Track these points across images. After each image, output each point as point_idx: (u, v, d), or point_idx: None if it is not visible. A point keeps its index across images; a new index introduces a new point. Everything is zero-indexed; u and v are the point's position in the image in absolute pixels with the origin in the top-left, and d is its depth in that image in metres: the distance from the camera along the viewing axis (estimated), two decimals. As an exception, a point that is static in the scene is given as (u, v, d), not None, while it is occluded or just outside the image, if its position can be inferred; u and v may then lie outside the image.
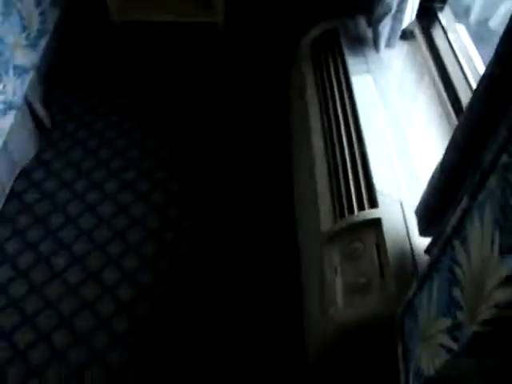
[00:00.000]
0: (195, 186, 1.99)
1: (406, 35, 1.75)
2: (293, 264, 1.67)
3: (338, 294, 1.18)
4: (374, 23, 1.64)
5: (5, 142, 1.81)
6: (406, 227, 1.18)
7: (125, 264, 1.76)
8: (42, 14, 2.12)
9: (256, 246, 1.81)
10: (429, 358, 0.85)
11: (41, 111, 2.11)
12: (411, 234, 1.16)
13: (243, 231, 1.86)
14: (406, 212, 1.21)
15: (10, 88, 1.83)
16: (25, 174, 2.02)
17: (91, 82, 2.39)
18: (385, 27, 1.62)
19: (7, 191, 1.91)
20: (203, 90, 2.35)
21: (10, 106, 1.83)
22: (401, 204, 1.23)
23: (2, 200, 1.88)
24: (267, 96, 2.30)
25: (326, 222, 1.29)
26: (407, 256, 1.13)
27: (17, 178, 1.98)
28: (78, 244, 1.80)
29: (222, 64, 2.47)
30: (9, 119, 1.83)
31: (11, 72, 1.85)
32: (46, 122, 2.15)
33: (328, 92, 1.59)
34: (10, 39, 1.86)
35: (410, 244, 1.15)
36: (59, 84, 2.37)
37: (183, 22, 2.60)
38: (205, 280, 1.73)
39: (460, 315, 0.73)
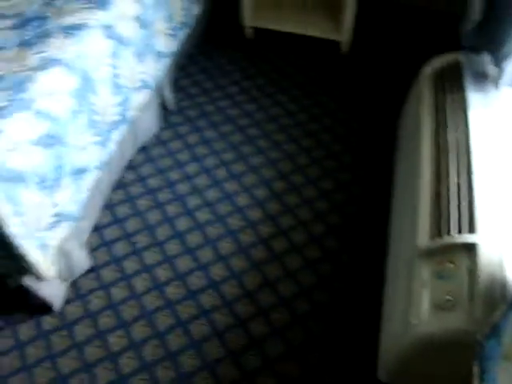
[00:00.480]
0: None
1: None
2: (376, 271, 1.74)
3: (423, 307, 1.23)
4: (500, 61, 1.68)
5: (133, 116, 2.00)
6: (502, 257, 1.22)
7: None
8: (185, 8, 2.31)
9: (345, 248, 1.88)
10: (509, 380, 0.89)
11: (168, 95, 2.32)
12: (506, 264, 1.20)
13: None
14: (504, 243, 1.24)
15: (148, 69, 2.02)
16: (144, 149, 2.21)
17: (218, 76, 2.57)
18: (510, 66, 1.66)
19: (125, 163, 2.10)
20: (315, 103, 2.46)
21: (145, 85, 2.01)
22: (499, 235, 1.26)
23: (123, 168, 2.08)
24: (380, 116, 2.37)
25: (423, 237, 1.35)
26: (498, 283, 1.17)
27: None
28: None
29: (337, 81, 2.56)
30: (142, 96, 2.02)
31: (151, 55, 2.05)
32: (171, 105, 2.35)
33: (443, 120, 1.65)
34: (157, 26, 2.05)
35: (504, 273, 1.19)
36: (189, 74, 2.57)
37: (308, 36, 2.73)
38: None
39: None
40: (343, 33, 2.62)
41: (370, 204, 2.02)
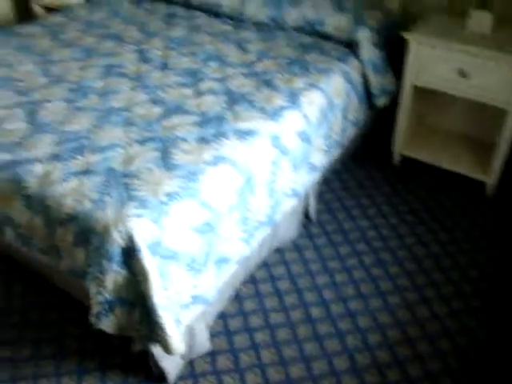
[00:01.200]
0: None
1: None
2: None
3: None
4: None
5: (278, 220, 2.14)
6: None
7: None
8: (343, 129, 2.48)
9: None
10: None
11: (312, 206, 2.45)
12: None
13: None
14: None
15: (300, 179, 2.17)
16: (279, 251, 2.33)
17: (360, 195, 2.67)
18: None
19: (260, 260, 2.23)
20: (452, 240, 2.45)
21: (295, 194, 2.16)
22: None
23: (256, 265, 2.20)
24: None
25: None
26: None
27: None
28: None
29: (478, 222, 2.54)
30: (290, 203, 2.16)
31: (305, 167, 2.20)
32: (312, 215, 2.47)
33: None
34: (316, 142, 2.23)
35: None
36: (332, 188, 2.71)
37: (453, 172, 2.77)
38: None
39: None
40: (490, 175, 2.63)
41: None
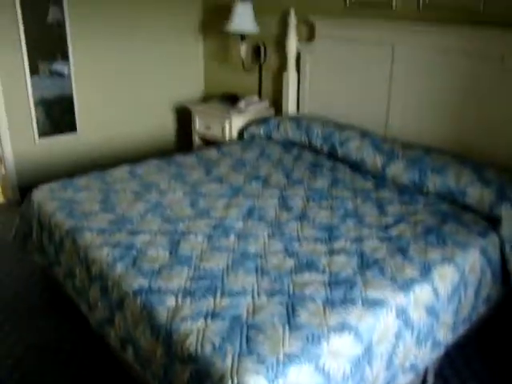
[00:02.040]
0: None
1: None
2: None
3: None
4: None
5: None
6: None
7: None
8: (474, 307, 2.37)
9: None
10: None
11: (430, 381, 2.31)
12: None
13: None
14: None
15: (422, 354, 2.08)
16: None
17: (484, 376, 2.48)
18: None
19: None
20: None
21: (413, 368, 2.07)
22: None
23: None
24: None
25: None
26: None
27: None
28: None
29: None
30: (406, 378, 2.06)
31: (429, 342, 2.11)
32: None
33: None
34: (443, 317, 2.15)
35: None
36: (455, 365, 2.54)
37: None
38: None
39: None
40: None
41: None
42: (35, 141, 4.44)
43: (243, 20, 4.04)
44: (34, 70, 4.23)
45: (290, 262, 2.10)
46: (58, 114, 4.52)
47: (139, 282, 1.98)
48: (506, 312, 2.83)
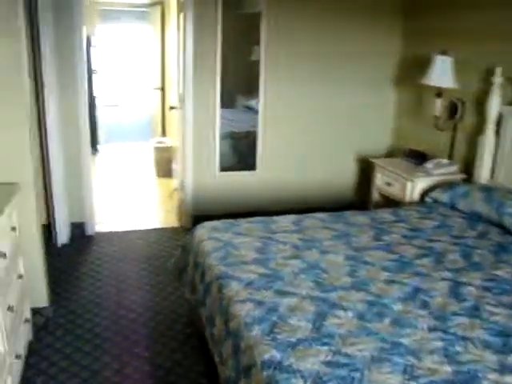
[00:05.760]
0: None
1: None
2: None
3: None
4: None
5: None
6: None
7: None
8: None
9: None
10: None
11: None
12: None
13: None
14: None
15: None
16: None
17: None
18: None
19: None
20: None
21: None
22: None
23: None
24: None
25: None
26: None
27: None
28: None
29: None
30: None
31: None
32: None
33: None
34: None
35: None
36: None
37: None
38: None
39: None
40: None
41: None
42: (215, 174, 4.59)
43: (441, 74, 3.74)
44: (225, 104, 4.41)
45: (446, 370, 1.73)
46: (240, 150, 4.65)
47: (271, 352, 1.80)
48: None
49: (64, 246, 4.26)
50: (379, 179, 4.22)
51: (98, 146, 7.79)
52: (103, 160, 7.50)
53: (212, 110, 4.41)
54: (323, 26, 4.48)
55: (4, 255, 2.31)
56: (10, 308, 2.36)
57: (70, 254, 4.11)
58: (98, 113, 7.80)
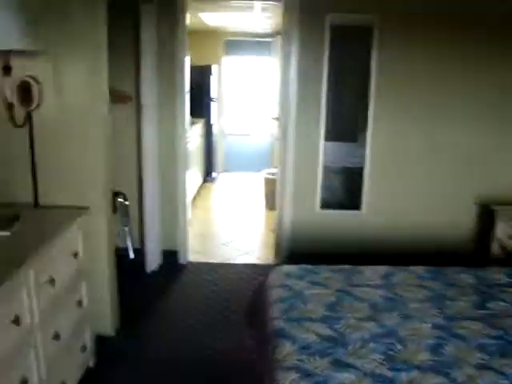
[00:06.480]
0: None
1: None
2: None
3: None
4: None
5: None
6: None
7: None
8: None
9: None
10: None
11: None
12: None
13: None
14: None
15: None
16: None
17: None
18: None
19: None
20: None
21: None
22: None
23: None
24: None
25: None
26: None
27: None
28: None
29: None
30: None
31: None
32: None
33: None
34: None
35: None
36: None
37: None
38: None
39: None
40: None
41: None
42: (315, 210, 4.24)
43: None
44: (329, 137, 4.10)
45: None
46: (344, 187, 4.27)
47: None
48: None
49: (153, 272, 4.14)
50: (501, 230, 3.59)
51: (214, 174, 7.76)
52: (218, 188, 7.44)
53: (315, 142, 4.09)
54: (448, 57, 3.95)
55: (52, 281, 2.17)
56: (56, 336, 2.22)
57: (155, 282, 3.99)
58: (216, 140, 7.80)
